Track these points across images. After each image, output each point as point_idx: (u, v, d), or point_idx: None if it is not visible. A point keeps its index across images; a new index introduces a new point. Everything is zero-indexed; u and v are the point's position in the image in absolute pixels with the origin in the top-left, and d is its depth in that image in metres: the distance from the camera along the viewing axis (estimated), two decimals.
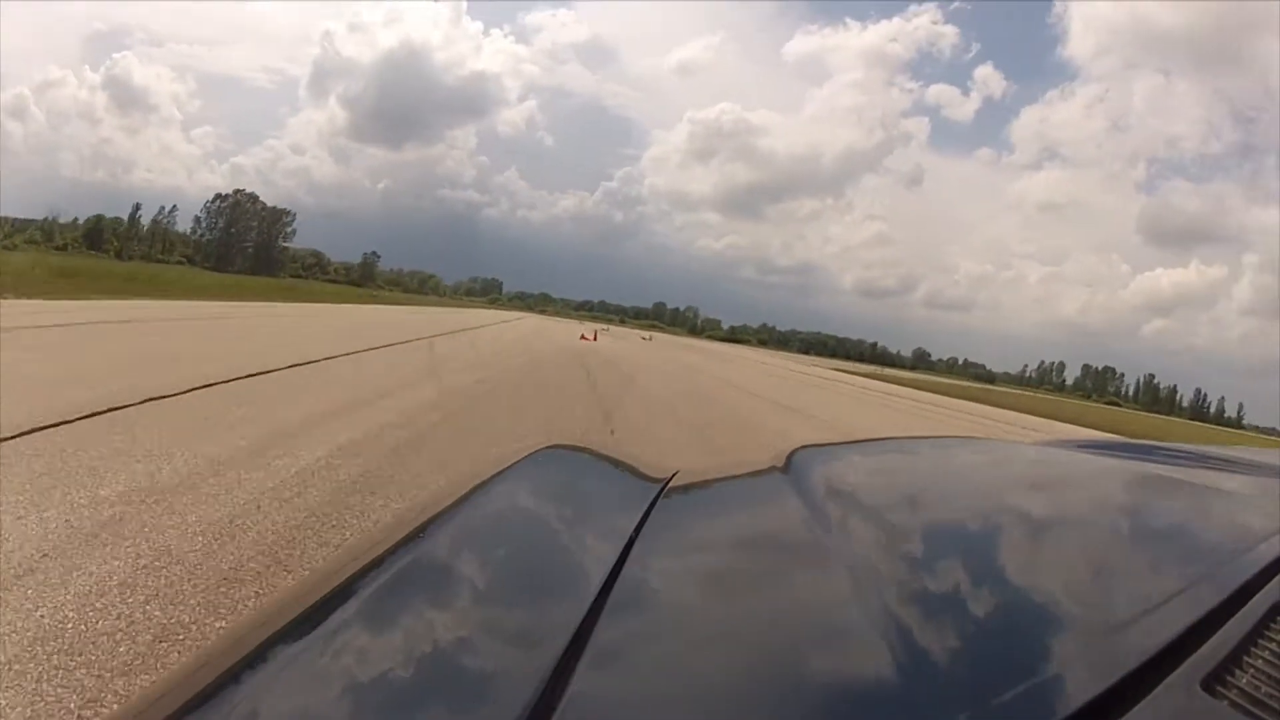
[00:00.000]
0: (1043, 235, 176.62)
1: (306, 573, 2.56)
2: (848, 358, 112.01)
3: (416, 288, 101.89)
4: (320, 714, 0.37)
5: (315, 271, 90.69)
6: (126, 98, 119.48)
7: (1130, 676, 0.34)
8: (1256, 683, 0.34)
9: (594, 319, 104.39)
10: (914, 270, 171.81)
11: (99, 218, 76.06)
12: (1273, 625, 0.39)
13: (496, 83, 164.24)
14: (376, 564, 0.51)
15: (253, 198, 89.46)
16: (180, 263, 67.74)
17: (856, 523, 0.60)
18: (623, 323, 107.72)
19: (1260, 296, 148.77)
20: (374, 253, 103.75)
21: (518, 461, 0.76)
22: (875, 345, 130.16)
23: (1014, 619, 0.46)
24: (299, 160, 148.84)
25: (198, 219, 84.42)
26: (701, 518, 0.72)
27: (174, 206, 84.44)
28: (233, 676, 0.39)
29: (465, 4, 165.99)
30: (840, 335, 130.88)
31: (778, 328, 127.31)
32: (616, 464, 0.87)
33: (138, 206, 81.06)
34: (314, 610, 0.45)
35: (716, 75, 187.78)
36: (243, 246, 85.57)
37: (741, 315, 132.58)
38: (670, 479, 0.74)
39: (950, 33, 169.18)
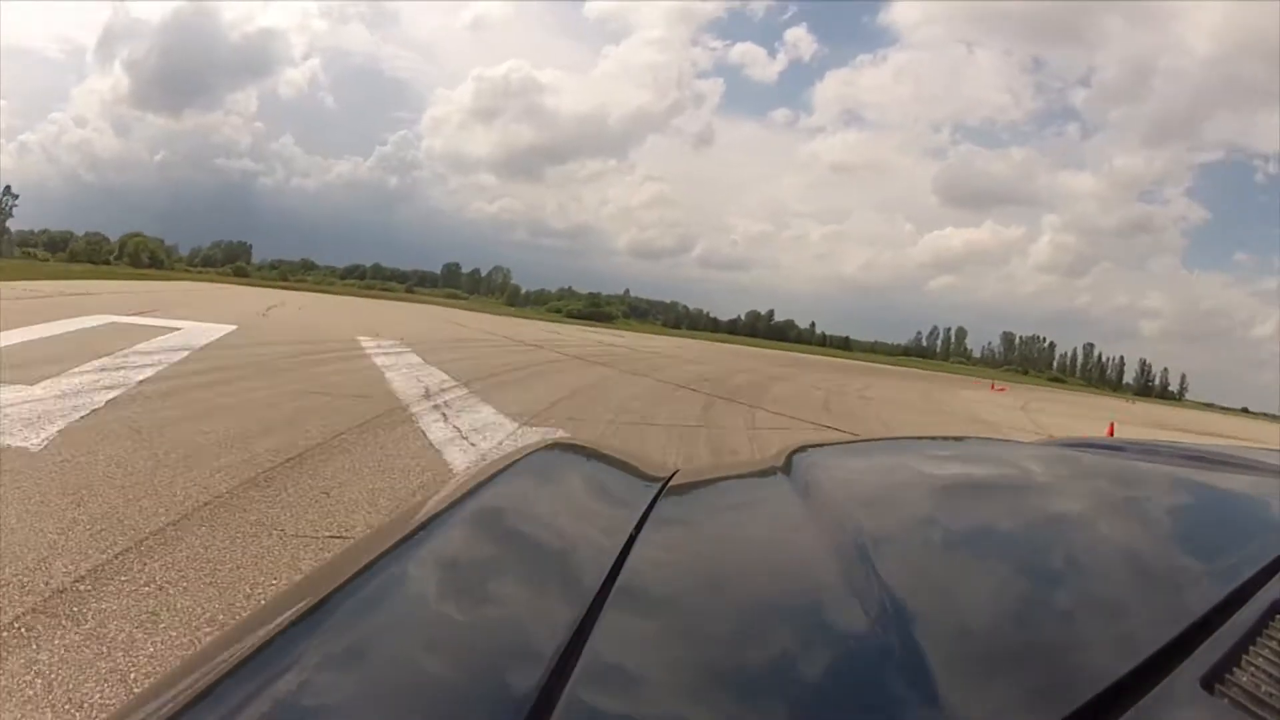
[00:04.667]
0: (839, 196, 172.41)
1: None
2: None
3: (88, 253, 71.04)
4: (321, 712, 0.36)
5: None
6: None
7: (1130, 675, 0.34)
8: (1256, 681, 0.34)
9: (365, 288, 78.95)
10: (695, 230, 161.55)
11: None
12: (1272, 624, 0.38)
13: (283, 40, 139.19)
14: (378, 562, 0.51)
15: None
16: None
17: (856, 523, 0.60)
18: (410, 291, 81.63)
19: (1058, 254, 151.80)
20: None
21: (517, 459, 0.76)
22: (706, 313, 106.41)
23: (1013, 618, 0.46)
24: (81, 134, 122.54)
25: None
26: (701, 517, 0.71)
27: None
28: (232, 676, 0.38)
29: None
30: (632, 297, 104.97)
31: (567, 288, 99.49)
32: (616, 463, 0.86)
33: None
34: (314, 609, 0.45)
35: (511, 31, 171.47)
36: None
37: (516, 278, 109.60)
38: (670, 478, 0.74)
39: None
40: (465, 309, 52.49)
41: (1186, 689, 0.33)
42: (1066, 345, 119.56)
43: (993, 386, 26.38)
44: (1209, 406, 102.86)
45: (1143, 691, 0.33)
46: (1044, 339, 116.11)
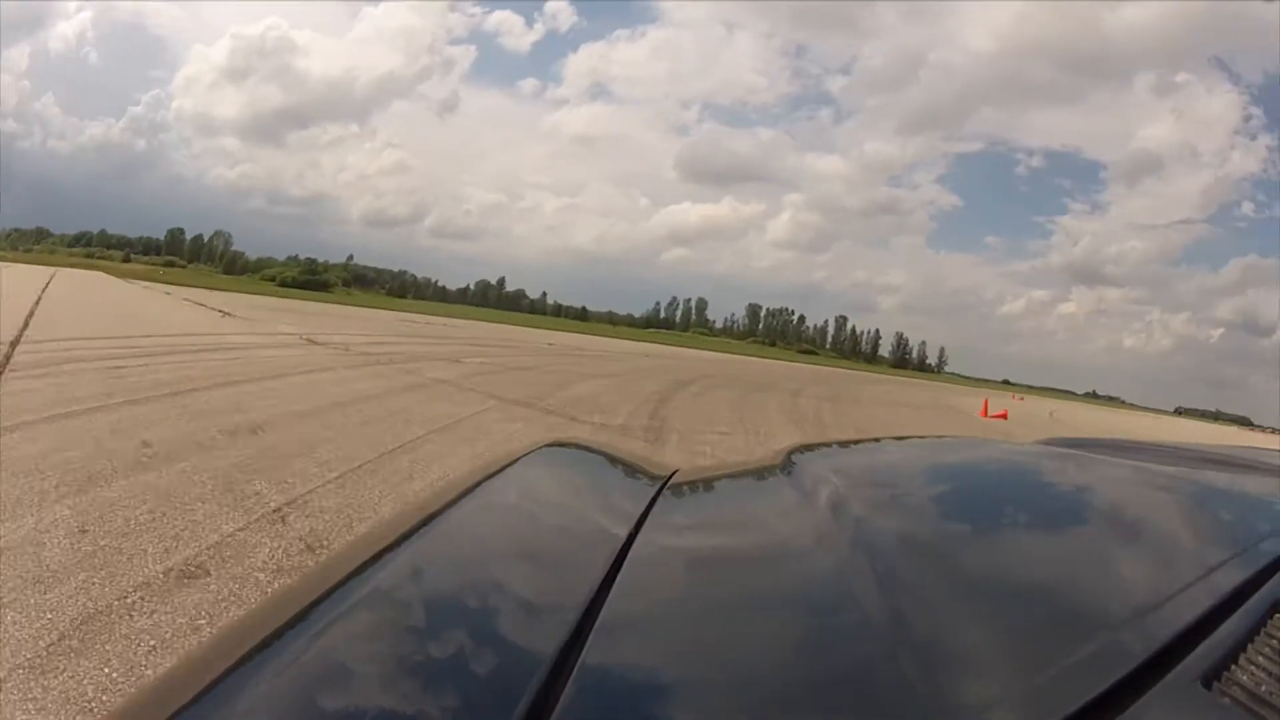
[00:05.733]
0: (578, 168, 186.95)
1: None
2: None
3: None
4: (323, 710, 0.36)
5: None
6: None
7: (1130, 675, 0.34)
8: (1257, 681, 0.34)
9: (87, 257, 78.95)
10: (430, 199, 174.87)
11: None
12: (1272, 624, 0.39)
13: None
14: (378, 560, 0.51)
15: None
16: None
17: (855, 522, 0.60)
18: (127, 260, 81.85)
19: (798, 231, 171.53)
20: None
21: (519, 459, 0.77)
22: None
23: (1013, 618, 0.46)
24: None
25: None
26: (701, 516, 0.72)
27: None
28: (232, 675, 0.39)
29: None
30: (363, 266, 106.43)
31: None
32: (616, 462, 0.87)
33: None
34: (316, 606, 0.45)
35: None
36: None
37: (247, 247, 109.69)
38: (670, 477, 0.75)
39: None
40: (152, 280, 48.81)
41: (1187, 689, 0.33)
42: (815, 317, 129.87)
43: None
44: (965, 378, 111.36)
45: (1143, 691, 0.33)
46: (792, 311, 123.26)
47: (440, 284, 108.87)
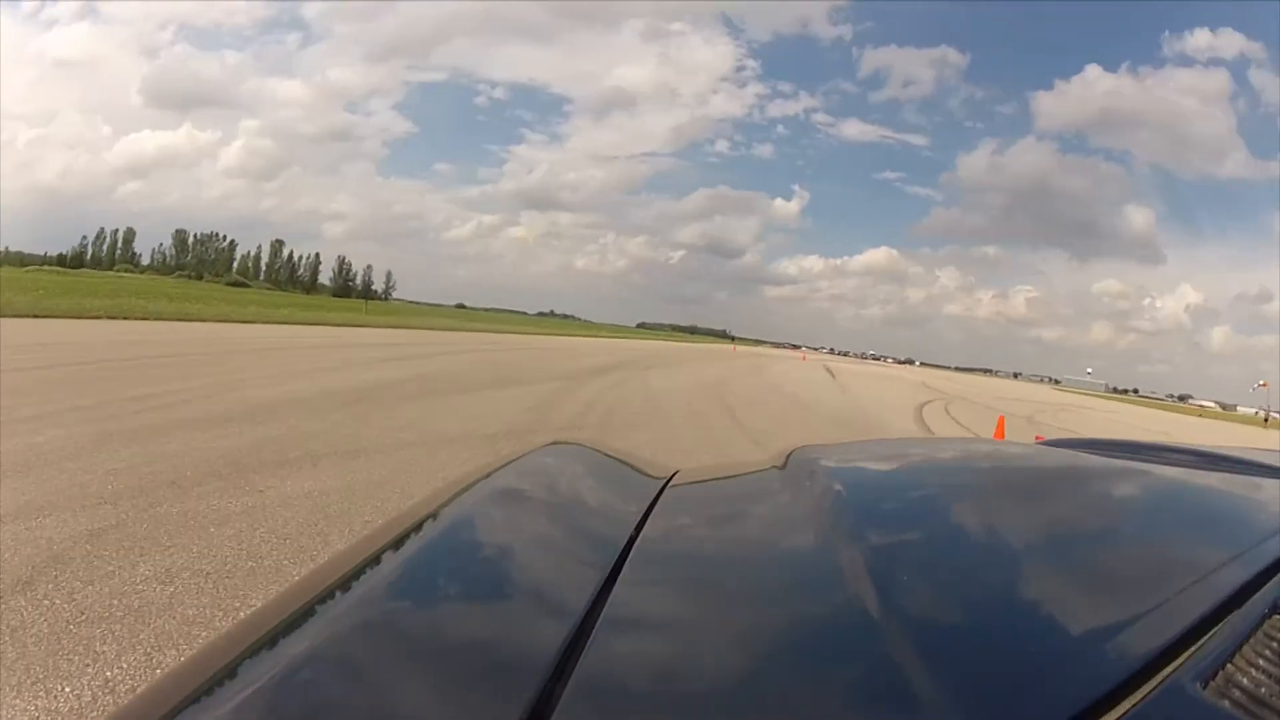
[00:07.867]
0: (54, 95, 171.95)
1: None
2: None
3: None
4: (324, 709, 0.37)
5: None
6: None
7: (1130, 676, 0.34)
8: (1257, 681, 0.34)
9: None
10: None
11: None
12: (1272, 624, 0.39)
13: None
14: (378, 560, 0.51)
15: None
16: None
17: (855, 523, 0.60)
18: None
19: (250, 158, 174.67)
20: None
21: (520, 458, 0.78)
22: None
23: (1013, 619, 0.46)
24: None
25: None
26: (701, 517, 0.72)
27: None
28: (232, 675, 0.38)
29: None
30: None
31: None
32: (617, 463, 0.88)
33: None
34: (317, 606, 0.45)
35: None
36: None
37: None
38: (670, 478, 0.76)
39: None
40: None
41: (1186, 689, 0.33)
42: (251, 244, 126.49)
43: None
44: (415, 305, 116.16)
45: (1143, 692, 0.33)
46: (223, 236, 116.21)
47: None
